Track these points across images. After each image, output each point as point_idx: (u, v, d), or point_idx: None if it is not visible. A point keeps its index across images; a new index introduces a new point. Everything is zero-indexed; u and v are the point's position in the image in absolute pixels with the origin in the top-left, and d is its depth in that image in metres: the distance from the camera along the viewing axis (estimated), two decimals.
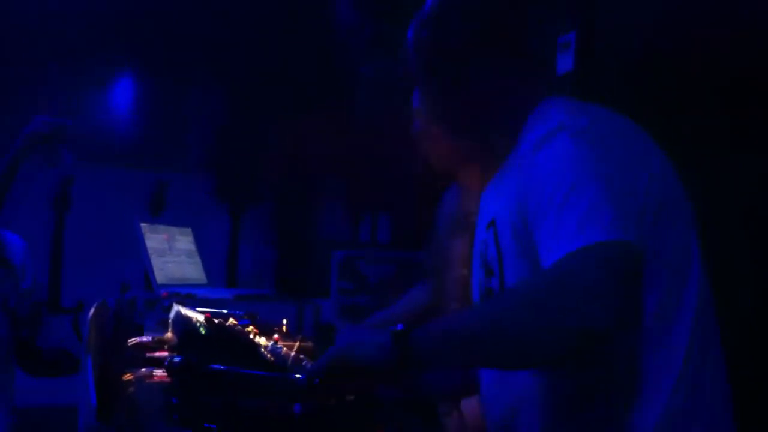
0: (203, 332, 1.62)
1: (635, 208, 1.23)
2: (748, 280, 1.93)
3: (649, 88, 2.15)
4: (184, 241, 2.61)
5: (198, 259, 2.64)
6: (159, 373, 1.66)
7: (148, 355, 1.79)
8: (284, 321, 2.01)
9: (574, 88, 2.36)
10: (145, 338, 1.88)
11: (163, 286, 2.38)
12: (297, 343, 1.82)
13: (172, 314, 1.76)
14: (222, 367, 1.47)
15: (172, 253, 2.53)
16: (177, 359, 1.51)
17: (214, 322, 1.68)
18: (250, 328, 1.84)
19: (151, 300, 2.29)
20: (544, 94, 1.46)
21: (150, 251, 2.43)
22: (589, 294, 1.09)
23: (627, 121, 1.36)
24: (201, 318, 1.72)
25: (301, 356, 1.68)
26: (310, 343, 1.90)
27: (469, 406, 1.92)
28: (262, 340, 1.74)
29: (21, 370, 4.81)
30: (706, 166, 1.94)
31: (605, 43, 2.30)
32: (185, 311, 1.76)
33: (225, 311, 2.01)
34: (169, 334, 1.78)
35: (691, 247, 1.33)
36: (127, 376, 1.72)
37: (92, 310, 2.01)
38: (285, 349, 1.71)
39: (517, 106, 1.44)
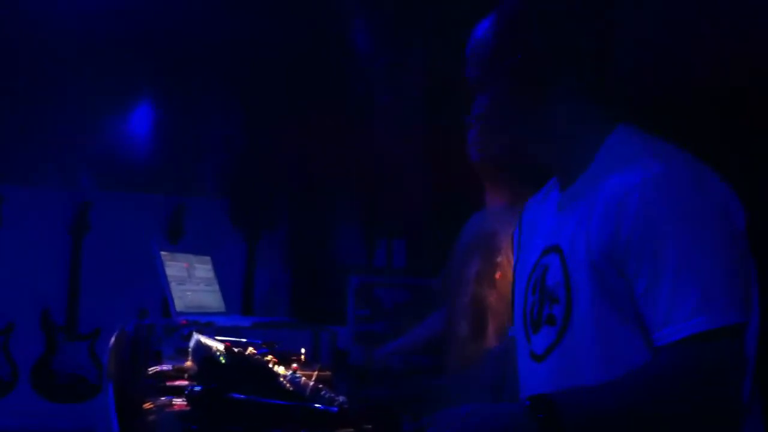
0: (223, 361, 1.63)
1: (745, 280, 1.27)
2: None
3: (666, 114, 2.16)
4: (203, 269, 2.63)
5: (217, 287, 2.65)
6: (179, 401, 1.68)
7: (168, 383, 1.80)
8: (302, 350, 2.02)
9: None
10: (165, 367, 1.89)
11: (182, 314, 2.39)
12: (315, 373, 1.83)
13: (191, 343, 1.77)
14: (242, 396, 1.48)
15: (192, 281, 2.55)
16: (197, 388, 1.53)
17: (234, 351, 1.70)
18: (269, 357, 1.85)
19: (170, 327, 2.30)
20: (614, 121, 1.44)
21: (170, 279, 2.45)
22: (725, 386, 1.20)
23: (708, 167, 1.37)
24: (221, 347, 1.73)
25: (320, 386, 1.69)
26: (328, 373, 1.91)
27: None
28: (281, 370, 1.75)
29: (37, 395, 4.84)
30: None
31: (622, 68, 2.32)
32: (205, 340, 1.77)
33: (244, 340, 2.02)
34: (188, 363, 1.79)
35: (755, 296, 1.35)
36: (148, 404, 1.73)
37: (113, 338, 2.02)
38: (304, 378, 1.73)
39: (588, 129, 1.43)
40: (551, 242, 1.43)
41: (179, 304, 2.45)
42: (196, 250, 2.72)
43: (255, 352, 1.83)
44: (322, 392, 1.64)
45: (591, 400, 1.24)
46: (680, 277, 1.22)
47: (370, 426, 1.54)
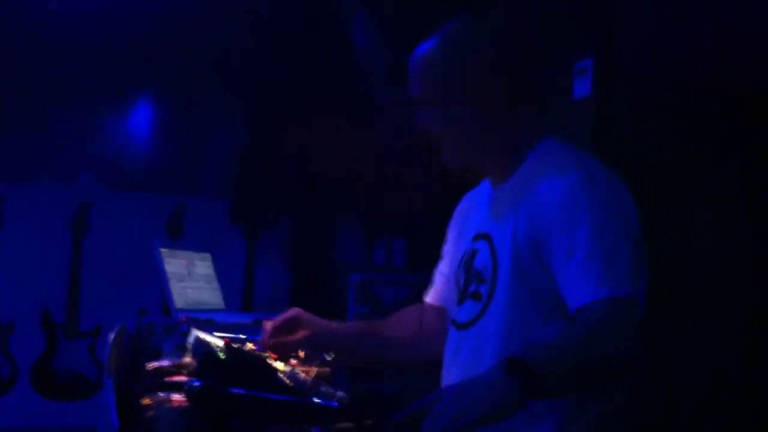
0: (222, 357, 1.63)
1: (641, 263, 1.51)
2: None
3: (667, 114, 2.16)
4: (202, 266, 2.63)
5: (216, 284, 2.65)
6: (178, 397, 1.68)
7: (166, 379, 1.80)
8: None
9: (590, 113, 2.38)
10: (164, 363, 1.89)
11: (182, 310, 2.39)
12: (314, 369, 1.83)
13: (191, 339, 1.77)
14: (241, 391, 1.48)
15: (191, 278, 2.55)
16: (196, 383, 1.53)
17: (233, 347, 1.70)
18: (268, 353, 1.85)
19: (170, 324, 2.30)
20: (543, 131, 1.67)
21: (169, 276, 2.45)
22: (632, 337, 1.46)
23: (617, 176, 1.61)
24: (220, 343, 1.74)
25: (319, 381, 1.69)
26: (327, 369, 1.91)
27: None
28: (280, 365, 1.75)
29: (37, 393, 4.84)
30: (723, 193, 1.95)
31: (622, 68, 2.32)
32: (204, 336, 1.77)
33: (243, 336, 2.02)
34: (188, 359, 1.79)
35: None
36: (147, 401, 1.73)
37: (112, 335, 2.02)
38: (303, 374, 1.73)
39: (521, 138, 1.66)
40: (482, 230, 1.68)
41: (179, 301, 2.45)
42: (195, 247, 2.72)
43: (254, 348, 1.83)
44: (322, 387, 1.64)
45: (550, 353, 1.44)
46: (590, 255, 1.47)
47: (370, 421, 1.54)
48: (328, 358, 1.94)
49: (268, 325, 1.88)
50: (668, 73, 2.24)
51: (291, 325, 1.86)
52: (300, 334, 1.86)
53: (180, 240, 4.97)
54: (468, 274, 1.68)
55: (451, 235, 1.90)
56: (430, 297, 1.98)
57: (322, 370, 1.86)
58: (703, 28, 2.15)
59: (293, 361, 1.86)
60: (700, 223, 2.01)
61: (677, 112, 2.13)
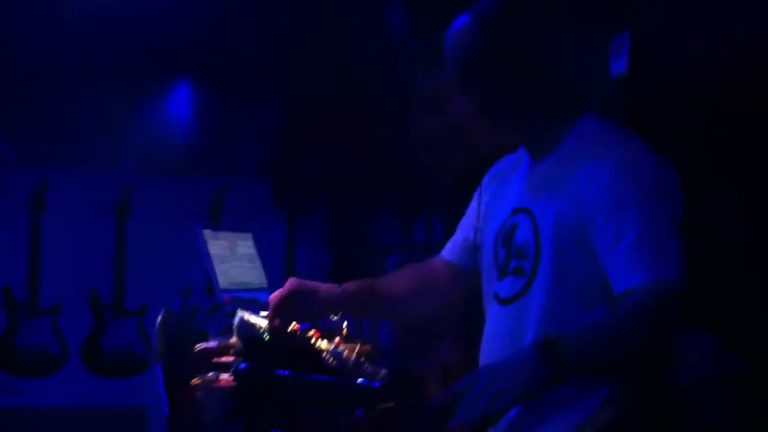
0: (267, 338, 1.67)
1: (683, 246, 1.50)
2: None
3: (704, 89, 2.14)
4: (244, 246, 2.65)
5: (259, 263, 2.68)
6: (225, 377, 1.72)
7: (214, 360, 1.84)
8: (345, 324, 2.05)
9: (627, 89, 2.36)
10: (211, 344, 1.93)
11: (226, 290, 2.43)
12: (357, 346, 1.86)
13: (236, 320, 1.82)
14: (286, 373, 1.52)
15: (234, 258, 2.58)
16: (242, 365, 1.57)
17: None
18: (312, 332, 1.89)
19: (214, 305, 2.34)
20: (582, 107, 1.66)
21: (213, 258, 2.48)
22: (665, 322, 1.46)
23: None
24: (264, 324, 1.77)
25: (362, 359, 1.72)
26: (369, 346, 1.94)
27: None
28: (323, 344, 1.78)
29: (87, 370, 4.96)
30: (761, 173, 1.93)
31: (660, 44, 2.29)
32: (249, 317, 1.81)
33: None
34: (233, 340, 1.83)
35: None
36: (195, 381, 1.78)
37: (159, 318, 2.07)
38: (346, 352, 1.76)
39: (560, 113, 1.66)
40: (522, 204, 1.68)
41: (223, 282, 2.48)
42: (237, 228, 2.75)
43: (298, 327, 1.87)
44: (365, 366, 1.67)
45: (585, 337, 1.44)
46: (639, 240, 1.46)
47: (411, 401, 1.57)
48: (334, 318, 1.99)
49: (271, 301, 1.89)
50: (708, 45, 2.21)
51: (290, 301, 1.87)
52: (299, 311, 1.87)
53: (221, 221, 5.02)
54: (508, 248, 1.69)
55: (480, 199, 1.91)
56: (444, 251, 2.03)
57: (364, 347, 1.89)
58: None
59: (336, 339, 1.89)
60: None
61: (716, 86, 2.11)
